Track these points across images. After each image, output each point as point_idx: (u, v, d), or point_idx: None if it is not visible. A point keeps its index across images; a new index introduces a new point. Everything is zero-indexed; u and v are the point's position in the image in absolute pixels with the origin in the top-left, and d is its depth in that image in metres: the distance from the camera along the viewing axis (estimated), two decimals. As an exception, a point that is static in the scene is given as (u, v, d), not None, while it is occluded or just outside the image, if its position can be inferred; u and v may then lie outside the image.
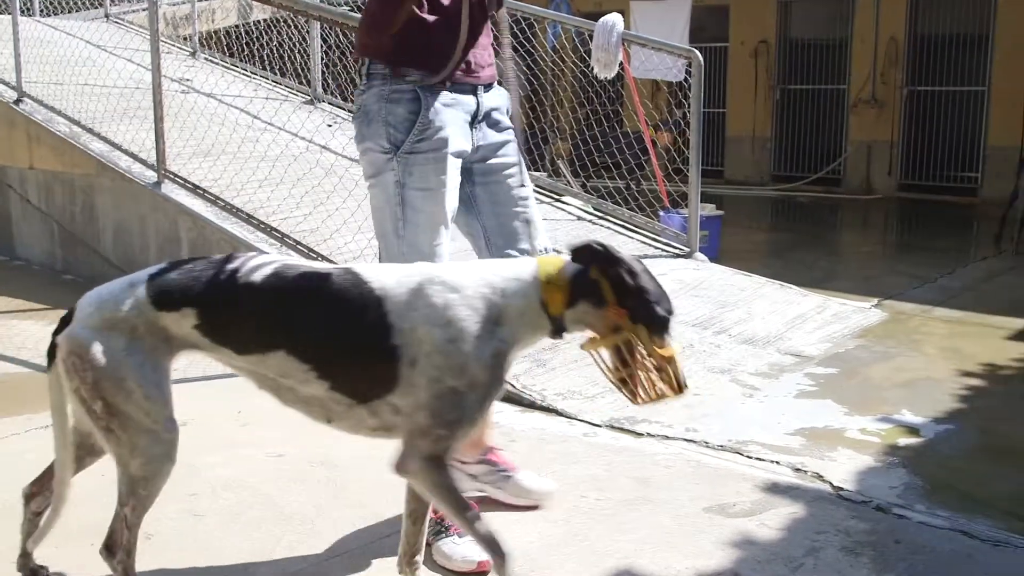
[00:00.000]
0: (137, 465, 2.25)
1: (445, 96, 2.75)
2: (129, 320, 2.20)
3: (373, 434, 2.32)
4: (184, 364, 4.65)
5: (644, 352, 2.20)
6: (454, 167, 2.79)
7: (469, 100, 2.82)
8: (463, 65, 2.79)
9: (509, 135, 2.96)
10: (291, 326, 2.21)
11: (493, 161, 2.91)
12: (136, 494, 2.27)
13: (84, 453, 2.47)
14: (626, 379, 2.25)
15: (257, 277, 2.22)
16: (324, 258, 5.17)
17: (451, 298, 2.16)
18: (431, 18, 2.72)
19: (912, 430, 3.93)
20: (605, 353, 2.26)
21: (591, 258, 2.18)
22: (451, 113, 2.76)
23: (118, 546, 2.31)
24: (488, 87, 2.90)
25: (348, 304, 2.20)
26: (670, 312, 2.21)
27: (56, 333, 2.24)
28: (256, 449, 3.64)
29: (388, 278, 2.22)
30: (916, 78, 13.72)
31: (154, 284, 2.22)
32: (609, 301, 2.18)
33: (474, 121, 2.85)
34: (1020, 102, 12.57)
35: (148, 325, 2.21)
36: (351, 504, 3.17)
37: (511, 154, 2.95)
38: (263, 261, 2.27)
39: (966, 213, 11.64)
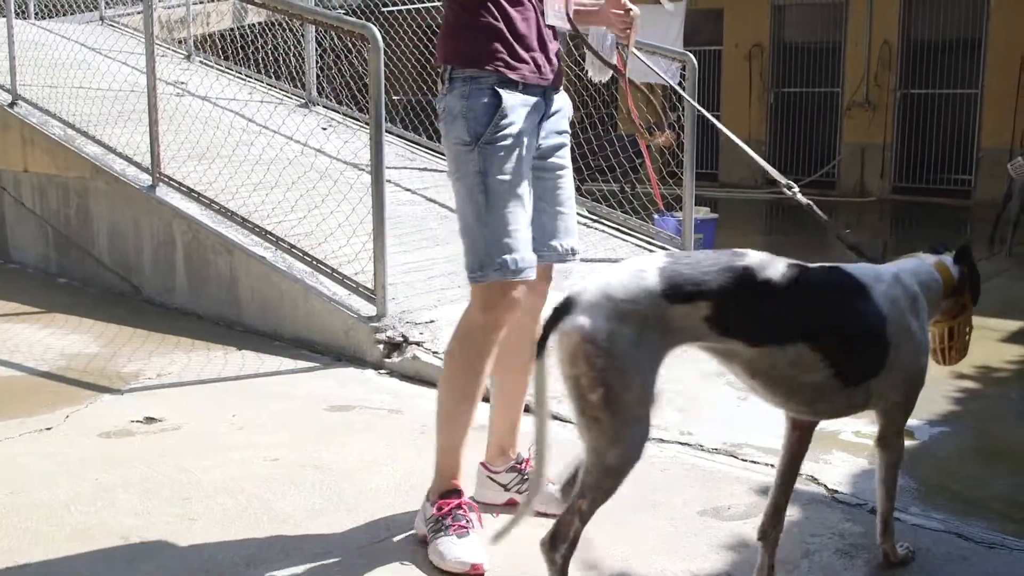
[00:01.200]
0: (615, 455, 2.29)
1: (518, 94, 2.90)
2: (640, 311, 2.24)
3: (837, 415, 2.64)
4: (179, 368, 4.69)
5: (965, 326, 2.77)
6: (529, 158, 2.93)
7: (538, 100, 2.96)
8: (533, 67, 2.94)
9: (567, 139, 3.12)
10: (813, 320, 2.40)
11: (550, 160, 3.06)
12: (602, 487, 2.32)
13: None
14: (946, 348, 2.78)
15: (774, 274, 2.36)
16: (319, 262, 5.17)
17: (913, 292, 2.55)
18: (503, 25, 2.89)
19: (907, 432, 3.92)
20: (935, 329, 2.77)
21: (965, 258, 2.71)
22: (524, 110, 2.91)
23: (564, 539, 2.35)
24: (556, 90, 3.05)
25: (853, 299, 2.46)
26: None
27: (551, 324, 2.29)
28: (250, 453, 3.64)
29: (869, 275, 2.52)
30: (909, 81, 13.77)
31: (665, 278, 2.28)
32: (966, 291, 2.71)
33: (542, 120, 3.00)
34: (1012, 105, 12.62)
35: (657, 317, 2.26)
36: (345, 508, 3.16)
37: (565, 157, 3.12)
38: (767, 258, 2.40)
39: (959, 215, 11.68)
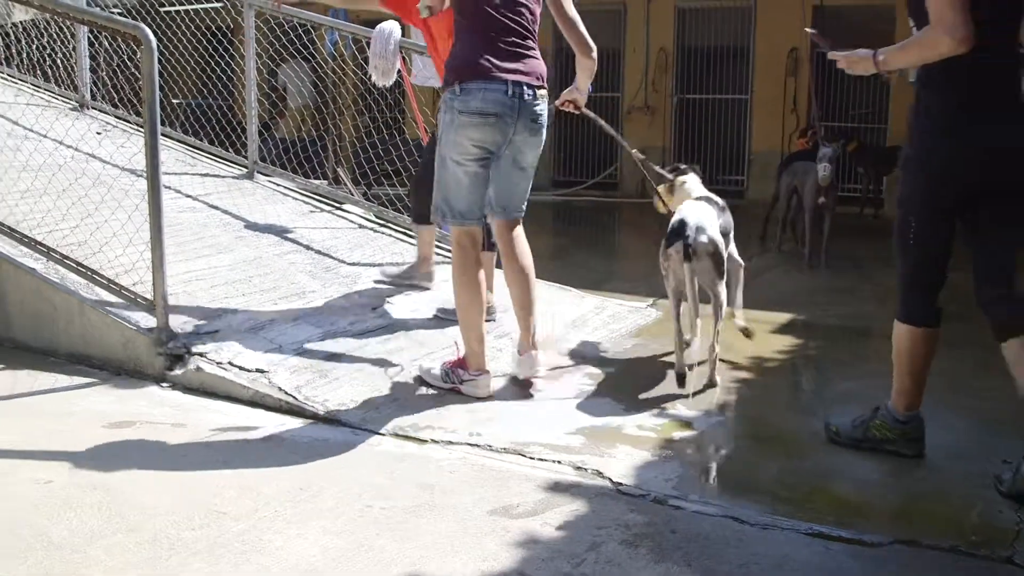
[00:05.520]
0: (724, 292, 4.49)
1: None
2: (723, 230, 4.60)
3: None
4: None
5: None
6: None
7: None
8: None
9: None
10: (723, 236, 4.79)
11: None
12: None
13: None
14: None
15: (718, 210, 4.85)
16: (94, 273, 4.94)
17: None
18: None
19: (686, 423, 4.10)
20: None
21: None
22: None
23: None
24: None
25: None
26: None
27: (685, 242, 4.29)
28: (21, 476, 3.43)
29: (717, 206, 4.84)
30: (685, 86, 14.36)
31: (716, 205, 4.80)
32: None
33: None
34: (779, 109, 13.36)
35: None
36: (127, 528, 3.03)
37: None
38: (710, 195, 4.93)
39: (733, 214, 12.23)
